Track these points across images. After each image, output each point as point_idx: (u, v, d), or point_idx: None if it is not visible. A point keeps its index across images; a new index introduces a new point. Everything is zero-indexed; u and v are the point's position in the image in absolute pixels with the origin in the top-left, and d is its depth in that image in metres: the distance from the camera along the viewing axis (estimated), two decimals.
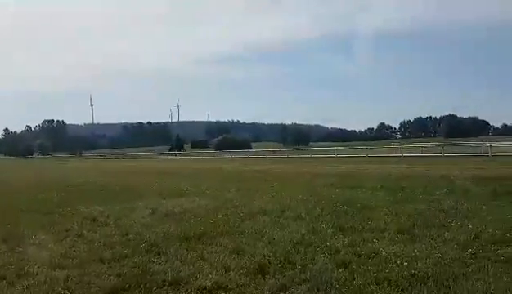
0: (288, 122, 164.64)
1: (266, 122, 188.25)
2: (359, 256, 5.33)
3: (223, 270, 4.94)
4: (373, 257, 5.21)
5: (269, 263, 5.14)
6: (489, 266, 4.69)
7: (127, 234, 7.12)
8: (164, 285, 4.58)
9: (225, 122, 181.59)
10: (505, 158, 29.12)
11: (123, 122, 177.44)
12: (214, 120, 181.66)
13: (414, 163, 27.68)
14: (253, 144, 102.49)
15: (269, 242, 6.17)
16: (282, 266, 5.04)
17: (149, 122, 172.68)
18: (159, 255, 5.75)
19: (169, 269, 4.97)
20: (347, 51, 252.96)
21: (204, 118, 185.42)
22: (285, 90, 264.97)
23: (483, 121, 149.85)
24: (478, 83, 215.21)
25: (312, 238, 6.35)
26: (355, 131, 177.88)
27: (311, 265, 5.01)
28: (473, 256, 5.13)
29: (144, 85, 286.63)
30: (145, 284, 4.60)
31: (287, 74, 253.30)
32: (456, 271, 4.56)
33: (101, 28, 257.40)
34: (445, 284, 4.19)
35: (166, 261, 5.42)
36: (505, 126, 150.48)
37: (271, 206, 9.54)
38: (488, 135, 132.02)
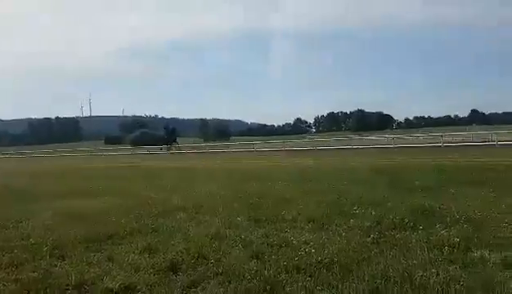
0: (208, 116, 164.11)
1: (186, 117, 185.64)
2: (272, 246, 5.44)
3: (132, 271, 4.73)
4: (284, 246, 5.35)
5: (182, 260, 5.04)
6: (389, 250, 5.03)
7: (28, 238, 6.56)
8: (67, 289, 4.29)
9: (142, 116, 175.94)
10: (408, 149, 31.72)
11: (28, 117, 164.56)
12: (130, 115, 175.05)
13: (326, 155, 29.09)
14: None
15: (184, 239, 6.04)
16: (195, 262, 4.97)
17: (57, 118, 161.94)
18: (62, 258, 5.38)
19: (73, 273, 4.66)
20: (269, 48, 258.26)
21: (118, 113, 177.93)
22: (205, 85, 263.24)
23: (388, 115, 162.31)
24: (384, 80, 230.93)
25: (228, 231, 6.36)
26: (274, 125, 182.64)
27: (224, 259, 5.01)
28: (375, 241, 5.46)
29: (52, 78, 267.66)
30: (46, 289, 4.27)
31: (208, 69, 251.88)
32: (360, 256, 4.82)
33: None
34: (349, 268, 4.41)
35: (70, 264, 5.08)
36: (407, 120, 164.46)
37: (189, 202, 9.40)
38: (392, 128, 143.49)
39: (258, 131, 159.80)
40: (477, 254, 4.75)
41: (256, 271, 4.46)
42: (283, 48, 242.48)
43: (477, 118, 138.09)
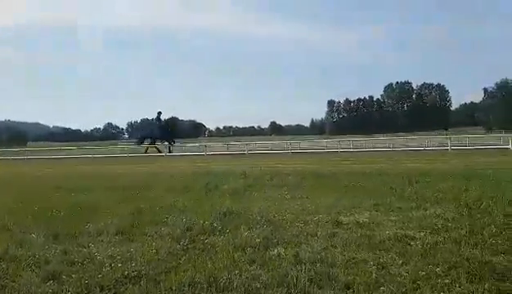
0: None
1: None
2: (72, 264, 4.95)
3: None
4: (87, 263, 4.92)
5: None
6: (197, 255, 5.11)
7: None
8: None
9: None
10: (218, 157, 33.45)
11: None
12: None
13: (138, 162, 28.38)
14: None
15: None
16: None
17: None
18: None
19: None
20: (77, 46, 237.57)
21: None
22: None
23: (201, 124, 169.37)
24: (197, 90, 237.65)
25: (19, 250, 5.55)
26: (80, 130, 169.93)
27: (13, 283, 4.33)
28: (185, 248, 5.48)
29: None
30: None
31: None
32: (169, 265, 4.76)
33: None
34: (157, 280, 4.30)
35: None
36: (218, 129, 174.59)
37: None
38: (205, 136, 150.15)
39: (63, 136, 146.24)
40: (274, 252, 5.20)
41: None
42: (92, 47, 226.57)
43: (275, 128, 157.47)
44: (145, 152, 45.19)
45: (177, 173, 17.18)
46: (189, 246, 5.58)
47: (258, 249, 5.30)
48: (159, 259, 4.99)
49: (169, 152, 44.28)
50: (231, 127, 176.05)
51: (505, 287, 3.87)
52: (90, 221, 7.19)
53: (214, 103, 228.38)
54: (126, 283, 4.22)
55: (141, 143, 50.41)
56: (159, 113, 51.68)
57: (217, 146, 49.85)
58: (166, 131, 49.58)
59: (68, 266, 4.86)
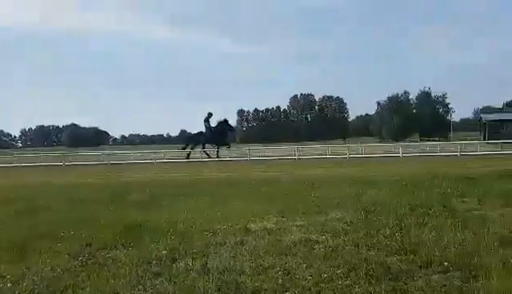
0: None
1: None
2: None
3: None
4: None
5: None
6: (97, 272, 4.78)
7: None
8: None
9: None
10: (122, 166, 32.05)
11: None
12: None
13: (34, 173, 26.17)
14: None
15: None
16: None
17: None
18: None
19: None
20: None
21: None
22: None
23: (104, 131, 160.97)
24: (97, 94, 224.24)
25: None
26: None
27: None
28: (84, 264, 5.13)
29: None
30: None
31: None
32: (66, 283, 4.42)
33: None
34: None
35: None
36: (123, 137, 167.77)
37: None
38: (109, 144, 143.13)
39: None
40: (182, 264, 5.06)
41: None
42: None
43: (185, 136, 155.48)
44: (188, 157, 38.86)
45: (78, 184, 16.05)
46: (89, 262, 5.23)
47: (165, 262, 5.14)
48: (54, 277, 4.60)
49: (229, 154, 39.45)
50: (138, 135, 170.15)
51: (398, 286, 4.16)
52: None
53: (119, 110, 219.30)
54: None
55: (185, 148, 42.92)
56: (210, 114, 43.14)
57: (120, 154, 47.75)
58: (219, 134, 41.98)
59: None
